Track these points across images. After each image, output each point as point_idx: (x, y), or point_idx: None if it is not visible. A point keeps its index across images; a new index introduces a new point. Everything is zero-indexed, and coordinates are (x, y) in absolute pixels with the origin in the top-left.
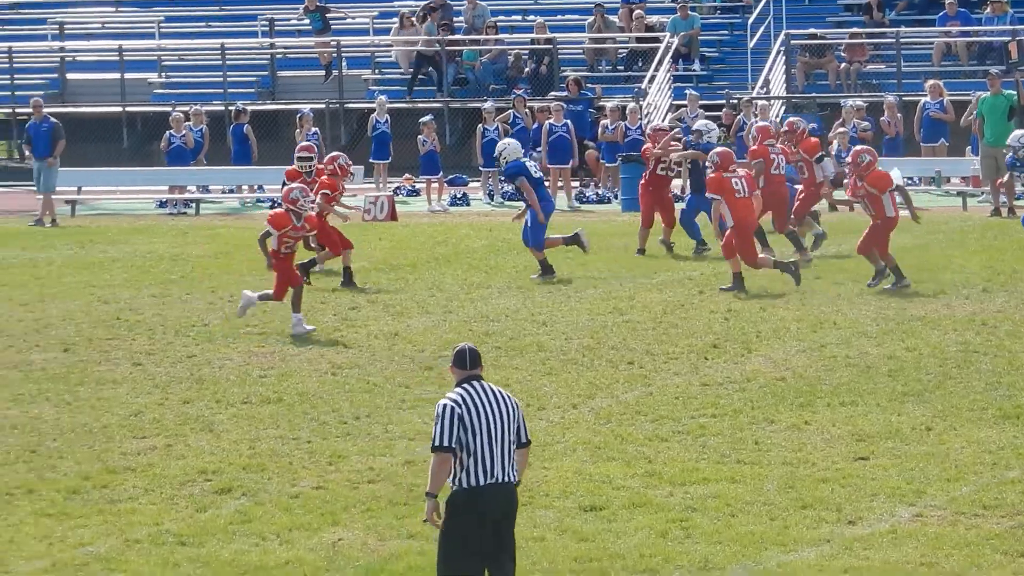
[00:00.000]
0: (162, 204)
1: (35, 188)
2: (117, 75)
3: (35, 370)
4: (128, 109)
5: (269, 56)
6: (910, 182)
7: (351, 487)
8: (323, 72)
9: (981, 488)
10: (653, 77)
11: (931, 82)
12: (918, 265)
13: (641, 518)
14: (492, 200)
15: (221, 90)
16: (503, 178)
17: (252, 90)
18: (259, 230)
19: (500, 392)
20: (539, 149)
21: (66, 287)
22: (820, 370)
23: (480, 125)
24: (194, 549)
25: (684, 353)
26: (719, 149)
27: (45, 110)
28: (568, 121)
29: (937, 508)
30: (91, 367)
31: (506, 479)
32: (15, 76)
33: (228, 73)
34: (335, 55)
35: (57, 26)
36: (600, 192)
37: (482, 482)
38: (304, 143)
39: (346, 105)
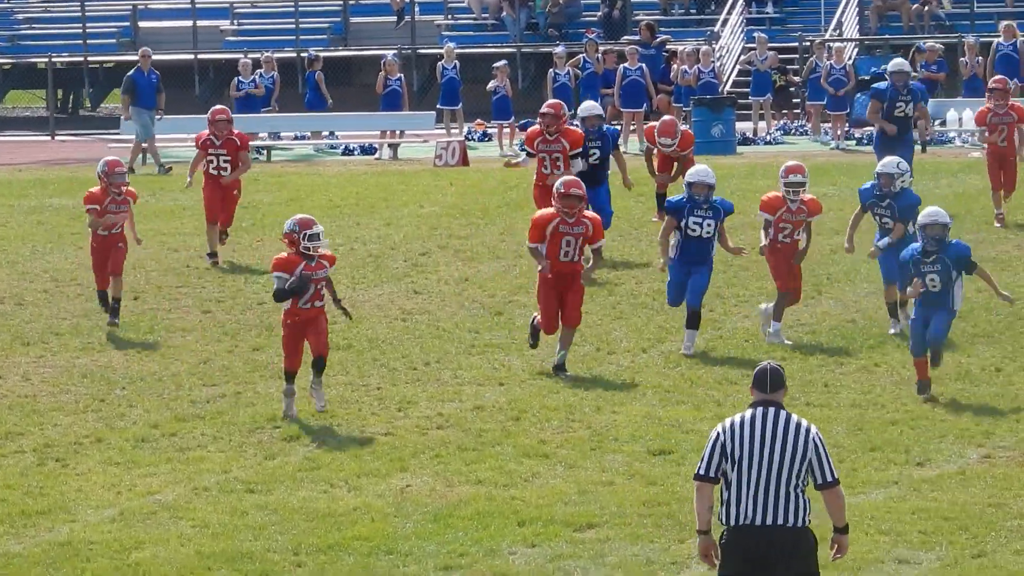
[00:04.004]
0: None
1: (135, 137)
2: (189, 23)
3: (105, 318)
4: (200, 57)
5: (341, 2)
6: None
7: (420, 433)
8: (395, 18)
9: None
10: (726, 20)
11: (1004, 23)
12: (991, 206)
13: None
14: None
15: (293, 37)
16: None
17: (324, 36)
18: (331, 177)
19: (793, 424)
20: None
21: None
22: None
23: (551, 70)
24: (262, 496)
25: (754, 296)
26: None
27: (115, 58)
28: (643, 65)
29: (1006, 449)
30: (160, 315)
31: (769, 522)
32: (87, 25)
33: (300, 20)
34: (407, 1)
35: None
36: None
37: (736, 521)
38: None
39: (418, 51)
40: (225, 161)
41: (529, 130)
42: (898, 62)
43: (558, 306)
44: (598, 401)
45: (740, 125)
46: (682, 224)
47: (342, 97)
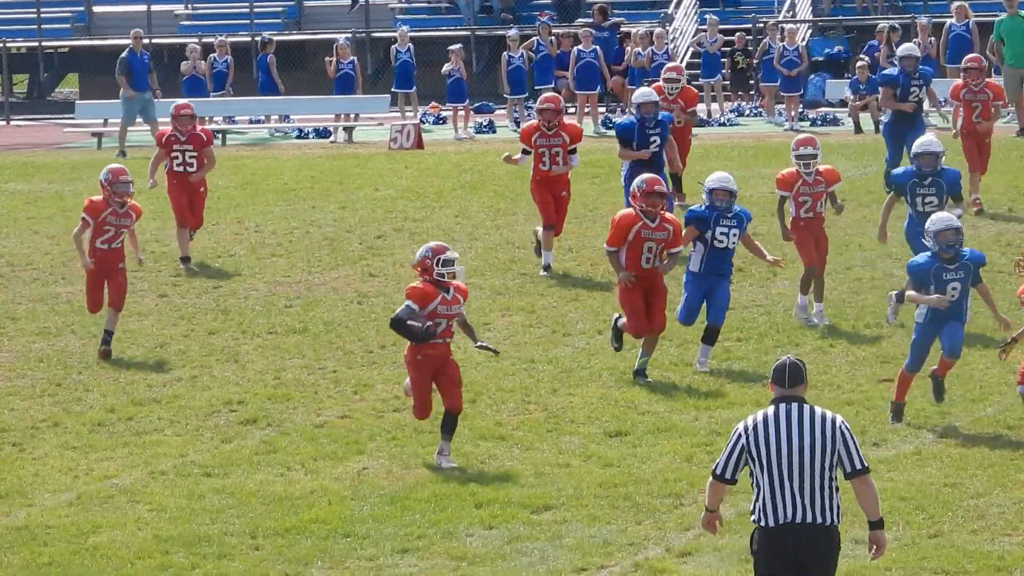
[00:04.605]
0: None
1: (123, 119)
2: (143, 7)
3: (61, 302)
4: (154, 41)
5: None
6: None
7: (376, 416)
8: (349, 1)
9: (1005, 408)
10: (679, 2)
11: (957, 4)
12: None
13: (666, 443)
14: (518, 127)
15: (247, 20)
16: None
17: (278, 20)
18: (285, 161)
19: (818, 416)
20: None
21: None
22: (845, 292)
23: (505, 53)
24: (219, 480)
25: None
26: None
27: (69, 43)
28: (596, 47)
29: (961, 429)
30: None
31: (805, 519)
32: (41, 9)
33: (254, 4)
34: None
35: None
36: None
37: (772, 523)
38: None
39: (372, 34)
40: (191, 157)
41: (524, 126)
42: (907, 47)
43: (646, 306)
44: (554, 383)
45: None
46: (707, 235)
47: (296, 81)
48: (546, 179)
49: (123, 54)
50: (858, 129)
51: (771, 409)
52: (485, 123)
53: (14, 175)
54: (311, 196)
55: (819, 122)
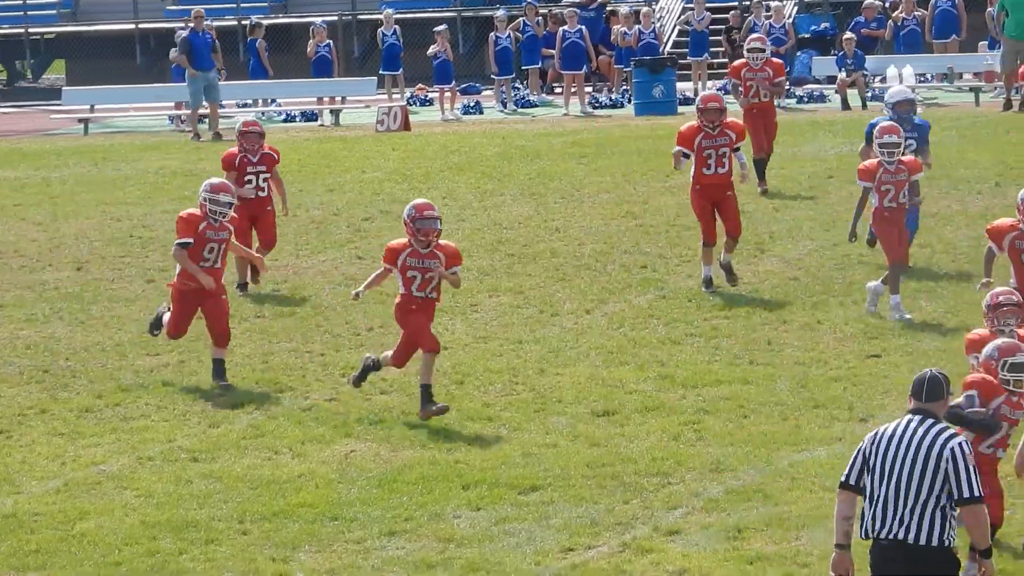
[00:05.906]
0: (172, 120)
1: (190, 101)
2: None
3: (48, 289)
4: (140, 26)
5: None
6: (922, 79)
7: (364, 399)
8: None
9: None
10: None
11: None
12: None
13: (654, 422)
14: (505, 108)
15: (234, 4)
16: None
17: (264, 4)
18: (272, 144)
19: (932, 434)
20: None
21: (79, 206)
22: (833, 269)
23: (492, 33)
24: (207, 465)
25: (697, 256)
26: None
27: (56, 29)
28: (582, 27)
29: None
30: (104, 285)
31: (904, 537)
32: None
33: None
34: None
35: None
36: (614, 97)
37: (873, 533)
38: None
39: (358, 17)
40: (264, 179)
41: (685, 129)
42: None
43: None
44: (541, 363)
45: (681, 85)
46: None
47: (283, 64)
48: (708, 185)
49: (184, 33)
50: (845, 106)
51: (905, 419)
52: (472, 104)
53: (0, 162)
54: (298, 179)
55: (806, 99)
